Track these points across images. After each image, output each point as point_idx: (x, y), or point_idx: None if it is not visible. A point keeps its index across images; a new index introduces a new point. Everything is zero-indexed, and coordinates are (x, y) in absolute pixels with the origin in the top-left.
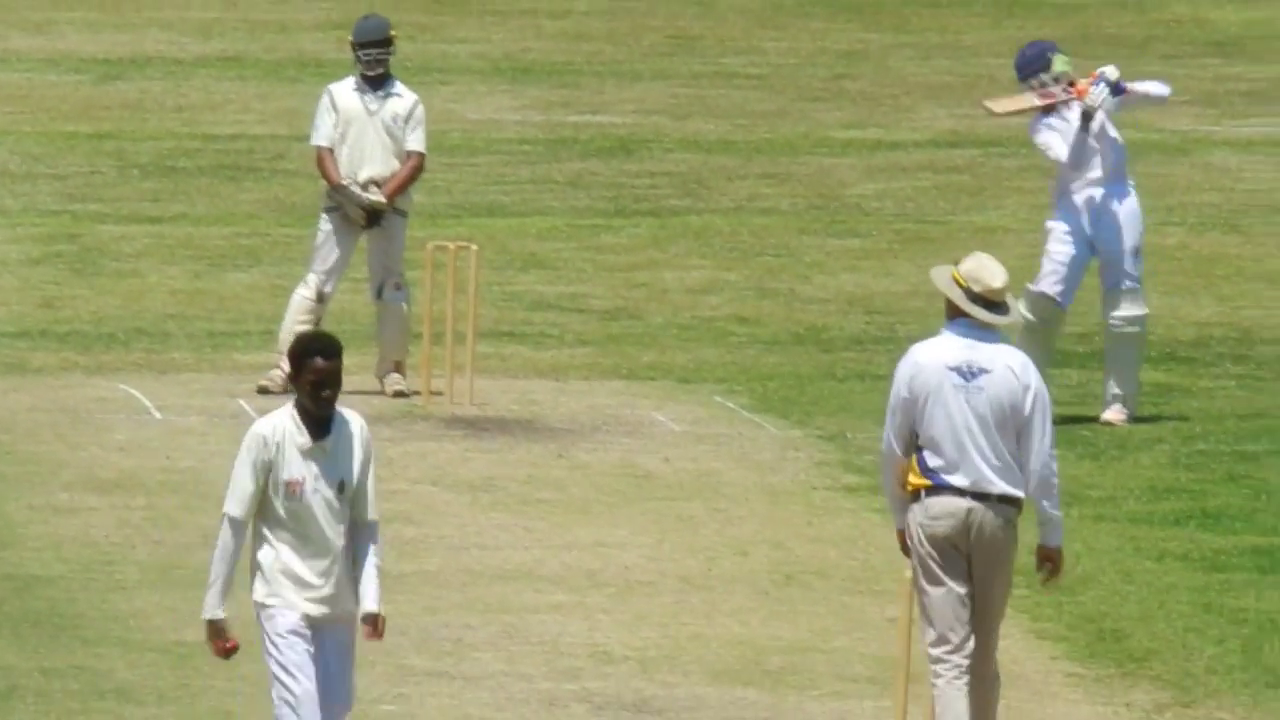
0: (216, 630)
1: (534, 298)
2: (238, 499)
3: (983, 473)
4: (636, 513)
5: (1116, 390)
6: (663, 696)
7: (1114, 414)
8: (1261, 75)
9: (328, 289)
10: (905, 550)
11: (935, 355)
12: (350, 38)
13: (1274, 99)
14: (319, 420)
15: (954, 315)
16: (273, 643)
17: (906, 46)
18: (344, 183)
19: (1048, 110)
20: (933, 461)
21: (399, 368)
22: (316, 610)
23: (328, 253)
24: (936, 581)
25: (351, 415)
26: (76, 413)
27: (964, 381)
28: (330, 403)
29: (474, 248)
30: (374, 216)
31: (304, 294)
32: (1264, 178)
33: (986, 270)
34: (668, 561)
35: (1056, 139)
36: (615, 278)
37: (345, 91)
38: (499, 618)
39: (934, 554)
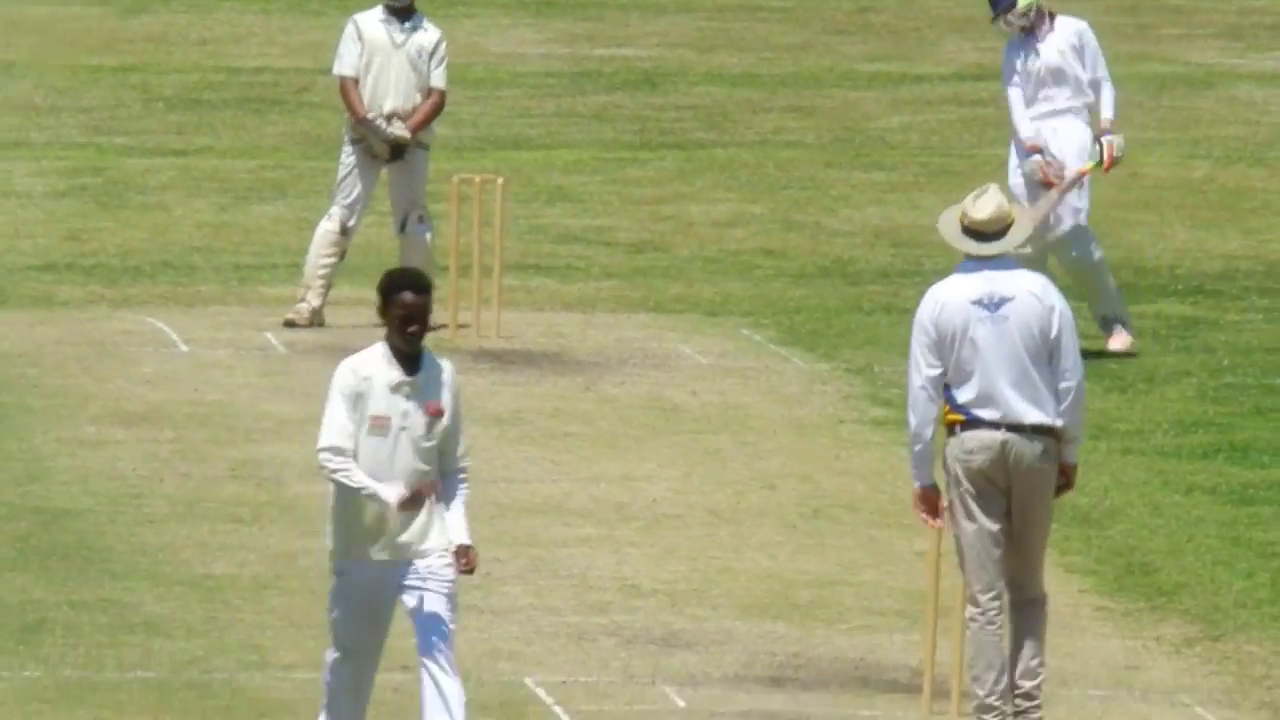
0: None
1: (560, 231)
2: (334, 430)
3: (1016, 403)
4: (664, 446)
5: (1107, 314)
6: (691, 630)
7: (1118, 341)
8: None
9: (351, 222)
10: (929, 509)
11: (956, 292)
12: None
13: None
14: (409, 357)
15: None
16: (337, 604)
17: None
18: (369, 116)
19: (1025, 33)
20: (963, 397)
21: None
22: (398, 552)
23: (351, 186)
24: (970, 517)
25: (441, 358)
26: (103, 346)
27: (988, 313)
28: (418, 337)
29: (500, 181)
30: (397, 150)
31: (328, 227)
32: None
33: (974, 203)
34: (695, 495)
35: (1018, 107)
36: (641, 211)
37: (371, 22)
38: (527, 551)
39: (970, 490)
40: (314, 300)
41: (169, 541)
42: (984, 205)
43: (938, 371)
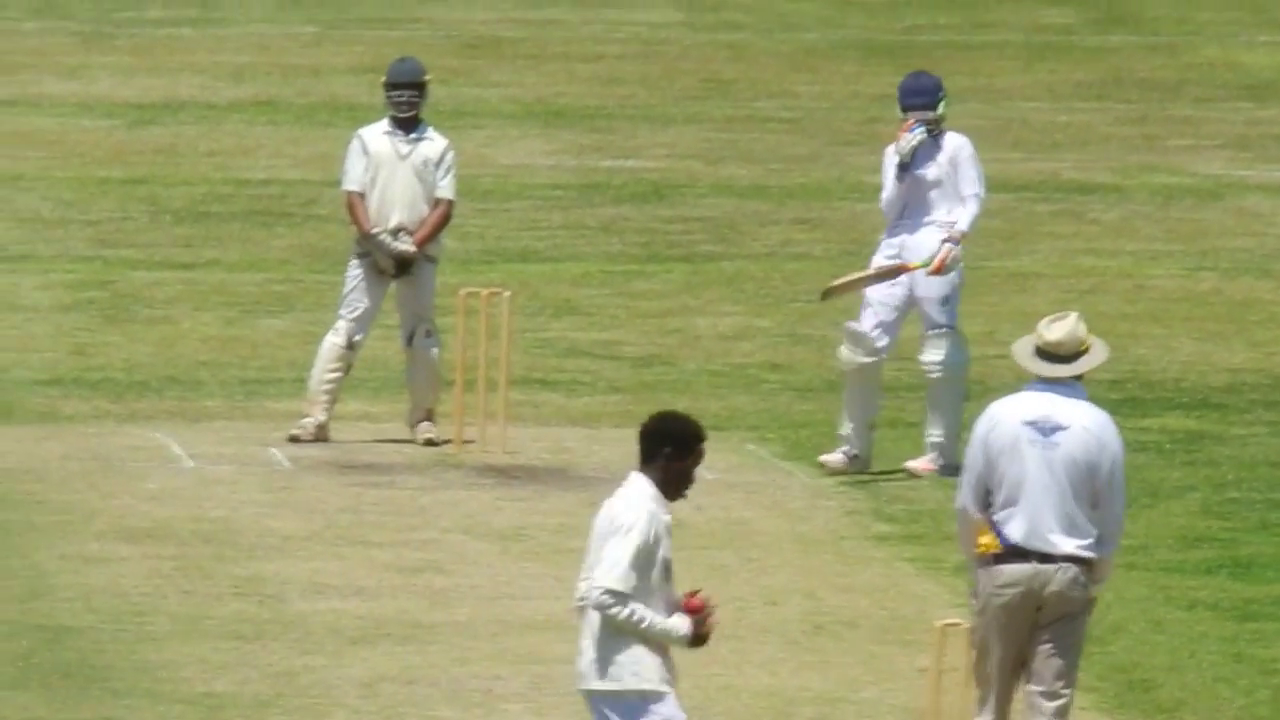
0: (698, 626)
1: (567, 344)
2: (630, 574)
3: (1052, 531)
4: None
5: (935, 438)
6: None
7: (922, 464)
8: None
9: (358, 336)
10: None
11: (1013, 410)
12: (384, 79)
13: None
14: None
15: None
16: None
17: None
18: (374, 231)
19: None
20: (1001, 515)
21: (430, 415)
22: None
23: (357, 299)
24: (995, 646)
25: None
26: (109, 461)
27: (1040, 437)
28: None
29: (506, 294)
30: (403, 265)
31: (335, 341)
32: None
33: (1048, 326)
34: None
35: (887, 183)
36: (648, 324)
37: (376, 135)
38: (529, 669)
39: (998, 622)
40: (319, 415)
41: (171, 659)
42: (1058, 328)
43: (984, 487)
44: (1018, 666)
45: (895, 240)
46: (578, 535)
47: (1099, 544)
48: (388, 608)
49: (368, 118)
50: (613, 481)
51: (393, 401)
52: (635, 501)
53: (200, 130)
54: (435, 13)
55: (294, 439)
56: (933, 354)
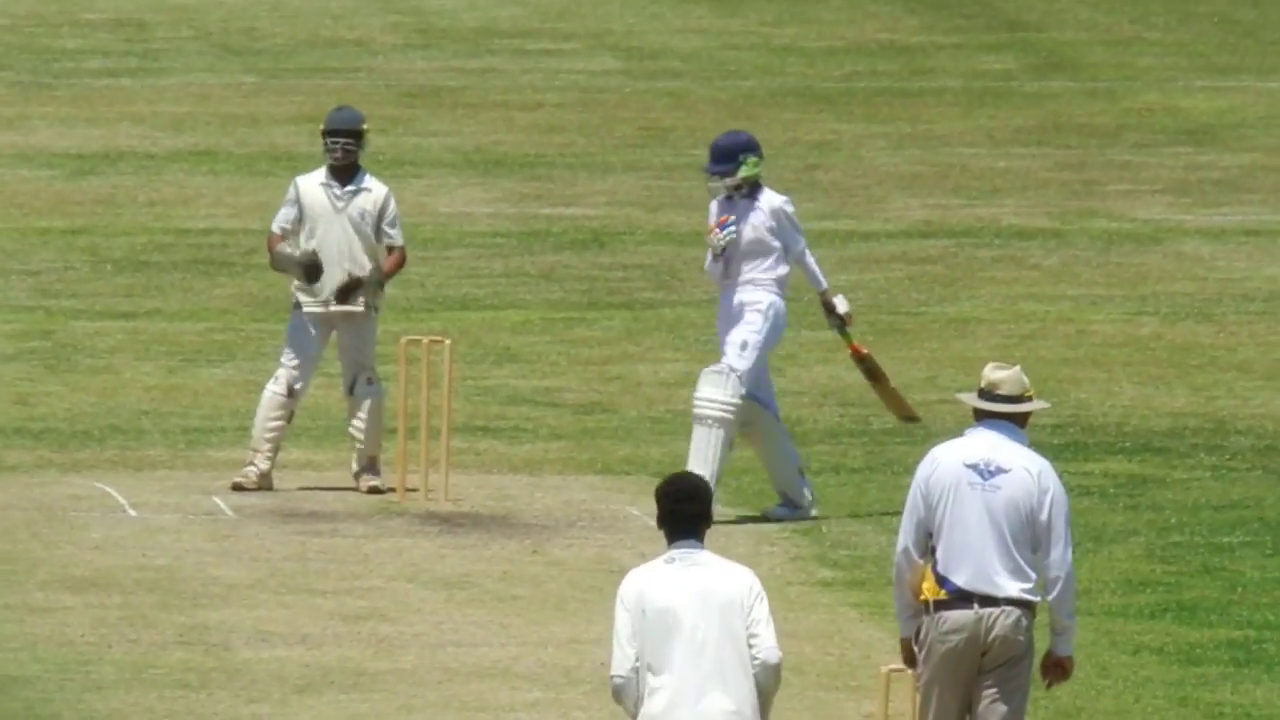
0: None
1: (508, 392)
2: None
3: (997, 574)
4: (612, 608)
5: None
6: None
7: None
8: (1233, 163)
9: (299, 385)
10: (909, 661)
11: (955, 453)
12: (322, 126)
13: (1246, 187)
14: None
15: (976, 416)
16: None
17: (878, 137)
18: (279, 248)
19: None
20: (943, 557)
21: (373, 463)
22: None
23: (298, 348)
24: (940, 696)
25: None
26: (51, 510)
27: (980, 480)
28: None
29: (447, 342)
30: (313, 271)
31: (276, 390)
32: (1237, 266)
33: (994, 368)
34: None
35: (709, 255)
36: (589, 371)
37: (312, 185)
38: (475, 716)
39: (943, 669)
40: (262, 464)
41: (117, 708)
42: (1002, 372)
43: (925, 531)
44: (963, 712)
45: (724, 301)
46: (522, 582)
47: (1047, 588)
48: (332, 656)
49: (307, 167)
50: (554, 528)
51: (336, 450)
52: (747, 569)
53: (140, 180)
54: (374, 62)
55: (238, 487)
56: (703, 390)
